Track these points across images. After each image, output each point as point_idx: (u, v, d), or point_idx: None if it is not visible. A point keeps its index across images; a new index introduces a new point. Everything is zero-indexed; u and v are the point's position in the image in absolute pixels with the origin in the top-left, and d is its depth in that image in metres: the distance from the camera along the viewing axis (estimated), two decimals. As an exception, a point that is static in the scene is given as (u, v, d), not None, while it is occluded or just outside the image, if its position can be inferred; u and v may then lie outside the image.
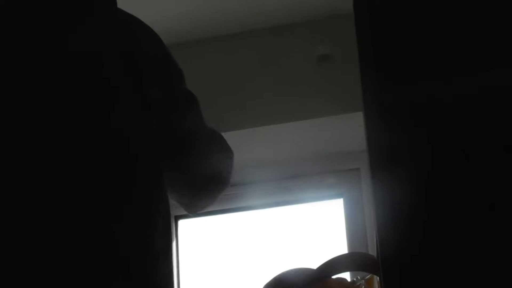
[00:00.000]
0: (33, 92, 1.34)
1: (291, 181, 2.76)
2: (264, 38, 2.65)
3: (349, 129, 2.55)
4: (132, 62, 1.43)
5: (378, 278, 1.54)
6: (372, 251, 2.44)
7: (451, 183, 0.93)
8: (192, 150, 1.58)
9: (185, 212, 2.88)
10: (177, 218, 2.82)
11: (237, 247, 2.78)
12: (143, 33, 1.52)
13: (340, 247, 2.65)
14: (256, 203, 2.79)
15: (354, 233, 2.67)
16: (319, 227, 2.75)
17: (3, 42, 1.39)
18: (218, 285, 2.74)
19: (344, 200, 2.75)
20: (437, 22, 0.99)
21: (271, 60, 2.62)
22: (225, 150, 1.70)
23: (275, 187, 2.76)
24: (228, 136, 2.67)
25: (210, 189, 1.68)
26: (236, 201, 2.78)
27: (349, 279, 1.55)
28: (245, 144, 2.65)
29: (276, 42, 2.64)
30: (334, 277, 1.46)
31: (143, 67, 1.45)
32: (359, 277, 1.56)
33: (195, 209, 1.72)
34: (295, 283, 1.45)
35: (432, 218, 0.93)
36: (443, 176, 0.94)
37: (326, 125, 2.58)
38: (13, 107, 1.33)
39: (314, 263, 1.47)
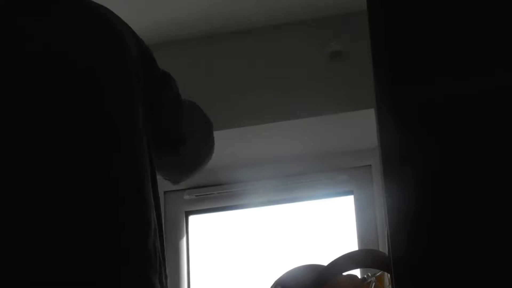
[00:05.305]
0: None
1: (302, 177, 2.76)
2: (276, 35, 2.65)
3: (361, 126, 2.55)
4: (121, 60, 1.44)
5: (388, 275, 1.54)
6: (383, 248, 2.44)
7: (461, 182, 0.94)
8: (181, 133, 1.63)
9: (196, 209, 2.88)
10: (188, 213, 2.82)
11: (248, 243, 2.78)
12: (123, 25, 1.51)
13: (350, 243, 2.66)
14: (267, 199, 2.79)
15: (364, 230, 2.67)
16: (330, 223, 2.75)
17: None
18: (229, 281, 2.75)
19: (355, 197, 2.75)
20: (452, 20, 0.99)
21: (283, 56, 2.62)
22: (208, 120, 1.74)
23: (286, 183, 2.76)
24: (241, 132, 2.68)
25: (200, 163, 1.73)
26: (247, 197, 2.78)
27: (359, 276, 1.55)
28: (256, 140, 2.65)
29: (288, 39, 2.64)
30: (344, 274, 1.46)
31: (130, 62, 1.45)
32: (369, 274, 1.56)
33: (179, 181, 1.75)
34: (303, 281, 1.46)
35: (442, 216, 0.93)
36: (454, 176, 0.94)
37: (338, 121, 2.58)
38: None
39: (324, 260, 1.48)
